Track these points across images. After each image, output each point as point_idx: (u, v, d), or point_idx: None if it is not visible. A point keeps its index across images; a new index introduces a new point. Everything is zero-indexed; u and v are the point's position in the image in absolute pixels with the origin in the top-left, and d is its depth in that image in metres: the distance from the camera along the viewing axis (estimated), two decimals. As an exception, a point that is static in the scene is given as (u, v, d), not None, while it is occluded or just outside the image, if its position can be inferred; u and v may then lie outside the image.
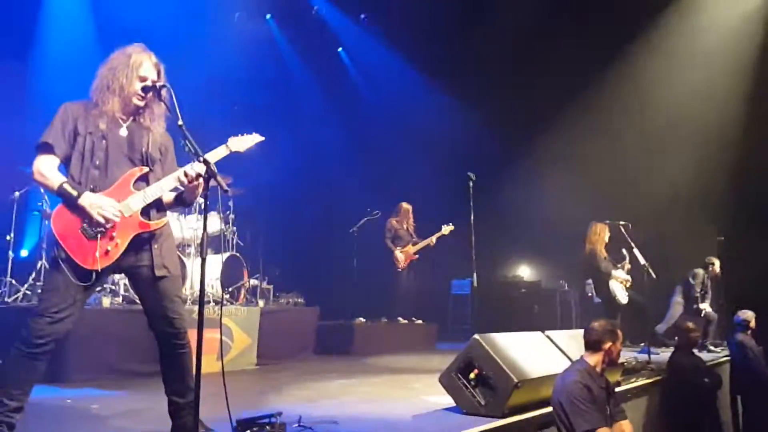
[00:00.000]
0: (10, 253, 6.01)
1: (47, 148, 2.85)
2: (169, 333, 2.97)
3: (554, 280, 10.76)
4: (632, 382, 5.16)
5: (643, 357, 6.15)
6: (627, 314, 7.18)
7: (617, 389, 4.83)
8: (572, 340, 4.54)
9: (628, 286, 7.16)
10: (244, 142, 3.23)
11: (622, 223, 7.11)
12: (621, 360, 5.13)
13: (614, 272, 7.08)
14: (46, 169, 2.84)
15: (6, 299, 5.76)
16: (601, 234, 7.18)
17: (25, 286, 5.80)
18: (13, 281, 5.89)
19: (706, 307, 8.01)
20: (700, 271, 8.17)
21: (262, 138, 3.29)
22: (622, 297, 7.08)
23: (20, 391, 2.74)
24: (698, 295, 8.04)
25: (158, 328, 2.98)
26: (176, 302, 3.00)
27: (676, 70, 9.45)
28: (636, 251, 6.95)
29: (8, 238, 6.06)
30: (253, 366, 6.22)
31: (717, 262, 8.23)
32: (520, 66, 9.89)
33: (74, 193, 2.77)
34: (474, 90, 10.20)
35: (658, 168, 9.42)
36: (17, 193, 6.16)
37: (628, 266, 7.22)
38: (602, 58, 9.57)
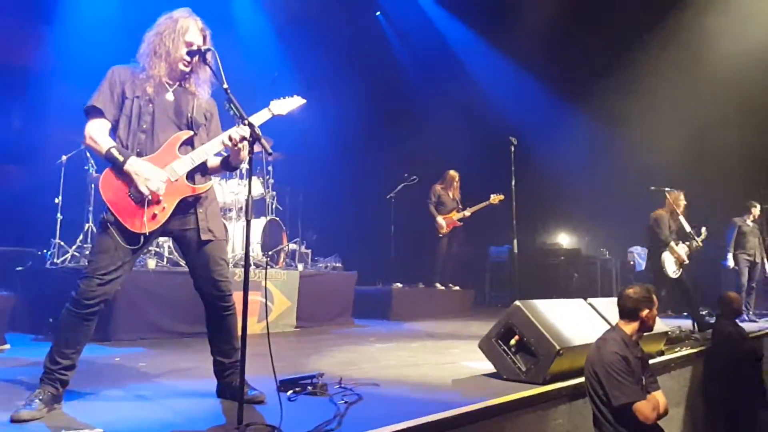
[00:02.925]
0: (59, 215, 6.19)
1: (97, 112, 2.87)
2: (215, 295, 3.01)
3: (595, 247, 10.58)
4: (676, 352, 5.06)
5: (687, 325, 6.04)
6: (673, 289, 6.96)
7: (660, 359, 4.76)
8: (615, 307, 4.43)
9: (682, 263, 6.80)
10: (286, 105, 3.20)
11: (666, 189, 6.88)
12: (665, 329, 5.05)
13: (672, 244, 6.76)
14: (97, 133, 2.86)
15: (55, 260, 5.96)
16: (674, 202, 6.87)
17: (73, 247, 5.99)
18: (62, 243, 6.08)
19: (730, 259, 7.85)
20: (736, 220, 7.93)
21: (304, 101, 3.25)
22: (671, 270, 6.76)
23: (72, 350, 2.83)
24: (729, 248, 7.87)
25: (204, 290, 3.03)
26: (222, 265, 3.04)
27: (732, 31, 8.97)
28: (681, 218, 6.75)
29: (57, 200, 6.23)
30: (292, 328, 6.34)
31: (758, 206, 7.96)
32: (566, 27, 9.54)
33: (120, 158, 2.80)
34: (518, 51, 9.91)
35: (709, 134, 9.03)
36: (65, 157, 6.30)
37: (697, 242, 6.88)
38: (652, 18, 9.15)
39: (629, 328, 3.52)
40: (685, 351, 5.15)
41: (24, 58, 7.00)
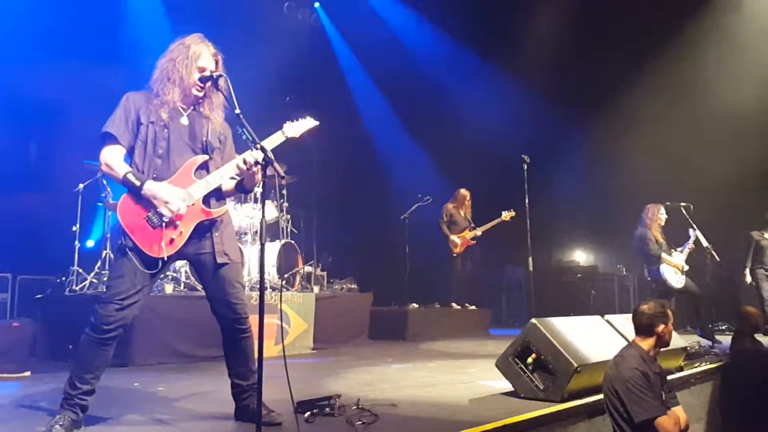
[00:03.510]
0: (77, 243, 6.28)
1: (112, 139, 2.93)
2: (232, 318, 3.04)
3: (611, 264, 10.50)
4: (695, 367, 4.98)
5: (706, 342, 5.93)
6: (681, 300, 6.84)
7: (680, 374, 4.69)
8: (632, 324, 4.40)
9: (682, 270, 6.67)
10: (299, 128, 3.21)
11: (683, 204, 6.80)
12: (684, 344, 4.98)
13: (664, 255, 6.66)
14: (112, 159, 2.92)
15: (74, 288, 6.04)
16: (654, 216, 6.80)
17: (92, 274, 6.06)
18: (80, 270, 6.16)
19: (747, 275, 7.60)
20: (753, 234, 7.69)
21: (316, 123, 3.27)
22: (674, 281, 6.65)
23: (91, 375, 2.86)
24: (747, 263, 7.59)
25: (221, 313, 3.06)
26: (238, 288, 3.07)
27: (735, 52, 9.00)
28: (698, 233, 6.67)
29: (74, 228, 6.33)
30: (309, 350, 6.34)
31: None
32: (575, 46, 9.59)
33: (137, 182, 2.85)
34: (528, 71, 9.96)
35: (718, 151, 8.97)
36: (81, 186, 6.41)
37: (690, 247, 6.78)
38: (658, 38, 9.19)
39: (646, 344, 3.48)
40: (705, 366, 5.07)
41: (43, 89, 7.17)
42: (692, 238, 6.77)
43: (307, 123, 3.25)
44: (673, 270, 6.68)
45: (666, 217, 6.84)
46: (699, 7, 9.24)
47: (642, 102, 9.38)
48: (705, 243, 6.51)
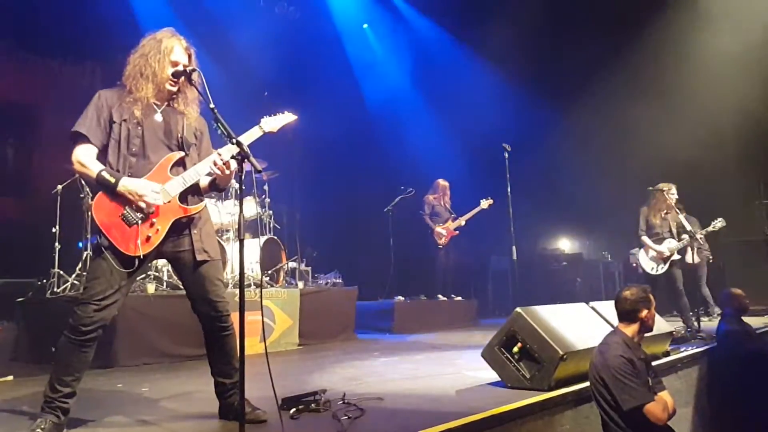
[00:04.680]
0: (57, 244, 6.18)
1: (83, 138, 2.87)
2: (213, 316, 3.00)
3: (597, 251, 10.56)
4: (681, 352, 5.03)
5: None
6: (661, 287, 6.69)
7: (666, 359, 4.73)
8: (616, 310, 4.42)
9: (663, 258, 6.47)
10: (277, 122, 3.19)
11: (664, 187, 6.75)
12: (670, 329, 5.02)
13: (643, 238, 6.55)
14: (85, 158, 2.86)
15: (55, 290, 5.94)
16: (664, 196, 6.58)
17: (73, 276, 5.97)
18: (61, 272, 6.06)
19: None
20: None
21: (295, 117, 3.24)
22: (648, 267, 6.54)
23: (72, 377, 2.81)
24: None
25: (202, 311, 3.02)
26: (218, 285, 3.03)
27: (716, 29, 9.03)
28: (681, 217, 6.64)
29: (54, 230, 6.22)
30: (295, 346, 6.30)
31: None
32: (554, 29, 9.57)
33: (112, 180, 2.79)
34: (506, 56, 9.92)
35: (701, 132, 9.02)
36: (60, 187, 6.30)
37: (694, 237, 6.49)
38: (639, 18, 9.21)
39: (630, 330, 3.48)
40: (691, 351, 5.12)
41: (19, 92, 7.05)
42: (712, 228, 6.64)
43: (285, 117, 3.23)
44: (651, 256, 6.55)
45: (675, 196, 6.62)
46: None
47: (625, 84, 9.36)
48: (688, 227, 6.51)
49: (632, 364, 3.30)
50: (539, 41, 9.68)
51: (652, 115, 9.30)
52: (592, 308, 4.45)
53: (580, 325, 4.07)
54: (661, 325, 4.80)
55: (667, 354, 4.87)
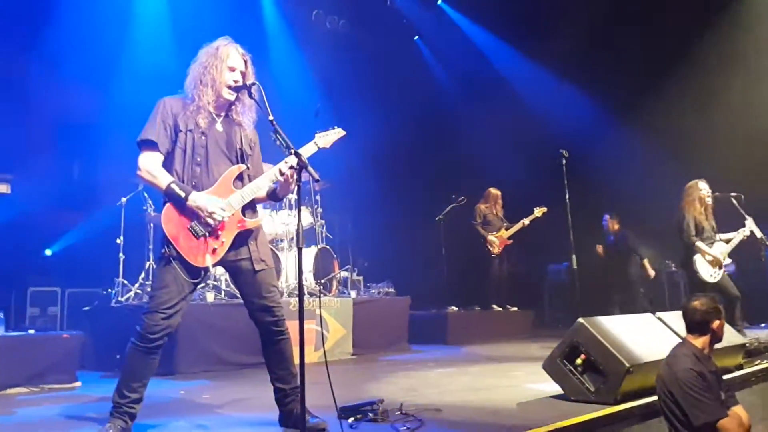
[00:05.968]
0: (121, 255, 6.41)
1: (150, 145, 2.95)
2: (270, 321, 3.05)
3: (660, 259, 10.12)
4: (756, 365, 4.74)
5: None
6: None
7: (740, 372, 4.48)
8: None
9: (719, 263, 6.05)
10: (329, 138, 3.29)
11: (733, 195, 6.35)
12: (743, 341, 4.76)
13: (698, 244, 6.05)
14: (153, 167, 2.94)
15: (119, 299, 6.16)
16: (693, 194, 6.20)
17: (136, 285, 6.17)
18: (125, 281, 6.28)
19: None
20: None
21: (344, 132, 3.34)
22: (706, 274, 6.03)
23: (139, 383, 2.90)
24: None
25: (259, 318, 3.07)
26: (274, 292, 3.09)
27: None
28: (751, 222, 6.26)
29: (118, 241, 6.46)
30: (349, 356, 6.31)
31: None
32: (615, 34, 9.28)
33: (182, 193, 2.87)
34: (566, 61, 9.69)
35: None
36: (124, 199, 6.55)
37: (743, 236, 6.14)
38: (702, 24, 8.85)
39: (700, 341, 3.31)
40: (766, 363, 4.83)
41: (83, 111, 7.40)
42: (746, 229, 6.20)
43: (337, 133, 3.33)
44: (708, 261, 6.08)
45: (709, 193, 6.23)
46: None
47: (691, 86, 8.97)
48: (759, 234, 6.16)
49: (703, 378, 3.13)
50: (598, 42, 9.39)
51: (713, 122, 8.88)
52: (659, 319, 4.26)
53: (646, 336, 3.90)
54: (734, 336, 4.56)
55: (740, 367, 4.61)
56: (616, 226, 9.03)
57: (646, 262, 8.81)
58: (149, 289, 5.55)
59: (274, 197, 3.21)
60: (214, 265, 2.99)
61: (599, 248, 9.06)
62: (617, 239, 9.05)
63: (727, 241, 6.21)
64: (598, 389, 3.50)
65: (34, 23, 7.21)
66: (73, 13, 7.14)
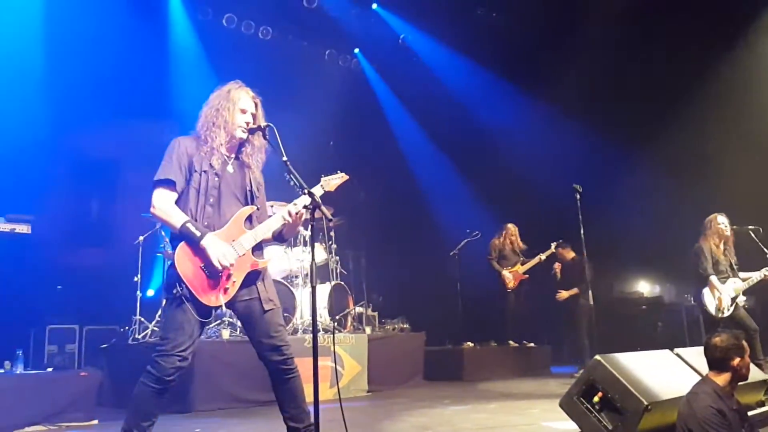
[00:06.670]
0: (138, 293, 6.48)
1: (167, 184, 3.02)
2: (278, 360, 3.06)
3: (678, 294, 9.96)
4: (780, 402, 4.61)
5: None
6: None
7: (762, 409, 4.36)
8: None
9: (731, 298, 5.97)
10: (334, 182, 3.38)
11: (751, 228, 6.27)
12: (765, 377, 4.64)
13: (712, 279, 6.00)
14: (167, 205, 3.01)
15: (137, 336, 6.20)
16: (712, 227, 6.18)
17: (153, 323, 6.22)
18: (142, 319, 6.33)
19: None
20: None
21: (347, 177, 3.43)
22: (712, 308, 6.00)
23: (150, 422, 2.91)
24: None
25: (268, 357, 3.08)
26: (281, 331, 3.11)
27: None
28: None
29: (136, 279, 6.54)
30: (364, 393, 6.25)
31: None
32: (625, 69, 9.36)
33: (197, 234, 2.92)
34: (576, 98, 9.73)
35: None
36: (141, 238, 6.65)
37: (762, 276, 6.04)
38: (711, 55, 8.89)
39: (721, 379, 3.25)
40: (791, 401, 4.69)
41: (102, 149, 7.57)
42: (767, 269, 6.08)
43: (340, 178, 3.43)
44: (715, 297, 6.03)
45: (727, 227, 6.19)
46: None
47: (704, 122, 8.97)
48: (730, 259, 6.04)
49: (722, 415, 3.07)
50: (609, 77, 9.45)
51: (732, 154, 8.81)
52: (677, 355, 4.19)
53: (665, 373, 3.83)
54: (756, 372, 4.45)
55: (761, 404, 4.49)
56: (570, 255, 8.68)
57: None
58: (160, 329, 5.60)
59: (281, 238, 3.26)
60: (226, 304, 3.01)
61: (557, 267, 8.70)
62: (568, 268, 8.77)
63: (744, 280, 6.13)
64: (615, 427, 3.43)
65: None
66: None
